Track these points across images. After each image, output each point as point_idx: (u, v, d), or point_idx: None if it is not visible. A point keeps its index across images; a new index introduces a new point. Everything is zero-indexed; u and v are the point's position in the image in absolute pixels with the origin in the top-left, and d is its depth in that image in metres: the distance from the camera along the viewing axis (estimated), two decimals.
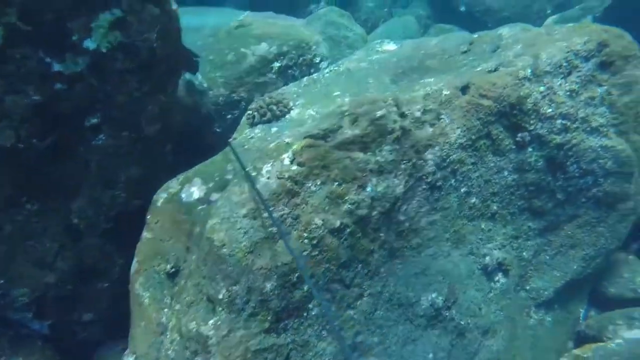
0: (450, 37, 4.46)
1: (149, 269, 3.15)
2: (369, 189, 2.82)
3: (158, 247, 3.15)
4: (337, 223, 2.65)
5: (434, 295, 3.09)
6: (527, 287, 3.59)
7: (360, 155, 2.82)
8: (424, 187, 3.15)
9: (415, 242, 3.13)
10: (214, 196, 3.08)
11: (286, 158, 2.66)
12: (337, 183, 2.70)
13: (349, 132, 2.83)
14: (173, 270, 3.02)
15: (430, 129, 3.16)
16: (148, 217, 3.28)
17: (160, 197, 3.25)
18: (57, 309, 3.52)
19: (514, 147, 3.44)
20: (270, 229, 2.55)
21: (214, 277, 2.58)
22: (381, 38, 6.85)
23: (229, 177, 3.18)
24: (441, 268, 3.18)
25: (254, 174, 2.71)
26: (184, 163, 4.39)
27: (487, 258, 3.40)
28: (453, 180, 3.30)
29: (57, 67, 2.79)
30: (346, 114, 2.92)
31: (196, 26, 4.80)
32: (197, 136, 4.61)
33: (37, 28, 2.66)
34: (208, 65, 4.55)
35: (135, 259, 3.25)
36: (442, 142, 3.18)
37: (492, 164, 3.42)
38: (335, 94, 4.03)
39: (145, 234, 3.23)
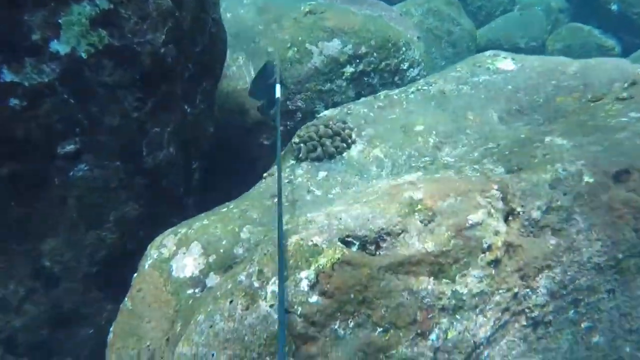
0: (597, 65, 3.09)
1: (122, 349, 2.35)
2: (433, 336, 1.76)
3: (136, 325, 2.32)
4: None
5: None
6: None
7: (428, 283, 1.74)
8: (524, 323, 2.04)
9: None
10: (211, 279, 2.18)
11: (304, 280, 1.65)
12: (381, 329, 1.67)
13: (416, 244, 1.75)
14: None
15: (553, 240, 1.99)
16: (135, 276, 2.46)
17: (150, 256, 2.40)
18: (32, 352, 2.90)
19: None
20: None
21: None
22: (494, 34, 5.47)
23: (239, 251, 2.24)
24: None
25: (256, 284, 1.74)
26: (218, 181, 3.55)
27: None
28: (571, 312, 2.14)
29: (9, 76, 1.93)
30: (417, 207, 1.83)
31: (262, 5, 3.78)
32: (240, 147, 3.70)
33: None
34: (265, 59, 3.55)
35: (113, 325, 2.47)
36: (568, 260, 2.01)
37: (639, 292, 2.21)
38: (418, 128, 2.91)
39: (127, 301, 2.41)
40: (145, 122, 2.38)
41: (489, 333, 1.92)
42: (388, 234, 1.79)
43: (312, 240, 1.77)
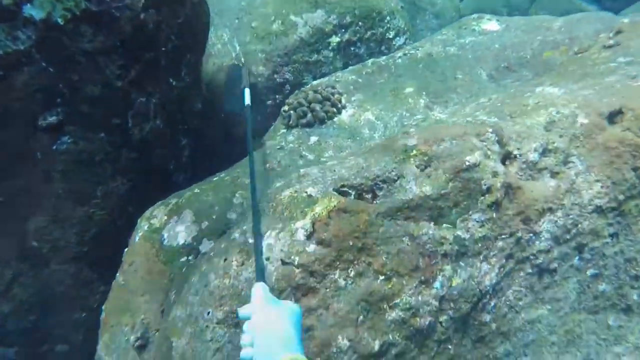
0: (582, 19, 3.09)
1: (115, 326, 2.29)
2: (437, 284, 1.71)
3: (129, 300, 2.26)
4: (376, 345, 1.59)
5: None
6: None
7: (429, 228, 1.70)
8: (529, 271, 2.00)
9: (503, 350, 2.01)
10: (205, 245, 2.12)
11: (301, 229, 1.60)
12: (382, 277, 1.62)
13: (414, 188, 1.71)
14: (139, 342, 2.13)
15: (553, 182, 1.96)
16: (126, 250, 2.40)
17: (141, 228, 2.34)
18: (21, 338, 2.82)
19: None
20: None
21: None
22: (477, 5, 5.46)
23: (232, 216, 2.19)
24: None
25: (251, 240, 1.69)
26: (209, 159, 3.48)
27: None
28: (576, 259, 2.11)
29: None
30: (413, 152, 1.79)
31: None
32: (230, 123, 3.63)
33: None
34: (249, 34, 3.49)
35: (105, 303, 2.41)
36: (569, 203, 1.98)
37: None
38: (408, 90, 2.87)
39: (118, 277, 2.36)
40: (130, 91, 2.31)
41: (494, 281, 1.89)
42: (384, 181, 1.74)
43: (306, 192, 1.72)
